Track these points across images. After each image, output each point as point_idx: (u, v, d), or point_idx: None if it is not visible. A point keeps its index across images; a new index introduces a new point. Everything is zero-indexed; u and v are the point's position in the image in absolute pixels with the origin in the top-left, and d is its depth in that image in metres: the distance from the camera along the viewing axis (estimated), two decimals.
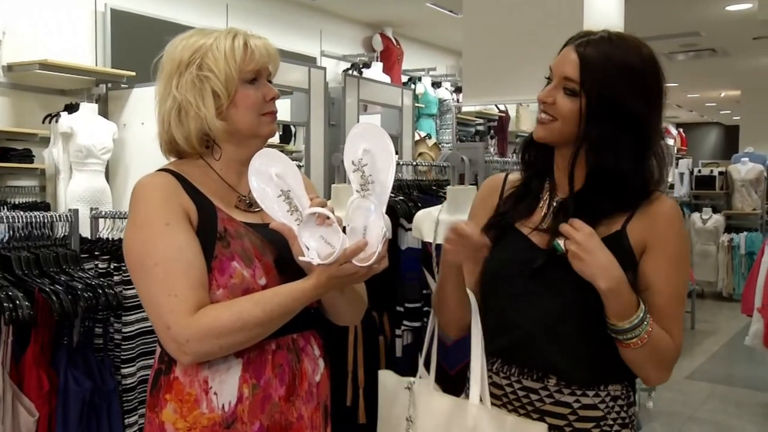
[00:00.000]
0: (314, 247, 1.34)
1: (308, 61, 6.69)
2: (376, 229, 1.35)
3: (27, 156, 4.63)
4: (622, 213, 1.46)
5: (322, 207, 1.34)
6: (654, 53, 1.48)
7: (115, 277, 2.24)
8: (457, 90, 8.64)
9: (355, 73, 7.04)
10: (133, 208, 1.38)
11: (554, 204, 1.53)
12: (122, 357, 2.20)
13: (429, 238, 2.72)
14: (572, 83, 1.44)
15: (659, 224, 1.45)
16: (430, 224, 2.72)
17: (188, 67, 1.42)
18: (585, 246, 1.36)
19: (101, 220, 2.57)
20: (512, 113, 9.18)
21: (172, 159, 1.50)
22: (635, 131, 1.44)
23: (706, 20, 8.09)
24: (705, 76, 11.67)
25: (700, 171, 10.12)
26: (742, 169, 9.77)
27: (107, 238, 2.49)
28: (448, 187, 2.75)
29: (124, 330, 2.21)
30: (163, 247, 1.32)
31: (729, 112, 17.40)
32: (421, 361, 1.80)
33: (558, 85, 1.46)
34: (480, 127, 8.91)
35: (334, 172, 3.14)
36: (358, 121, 6.17)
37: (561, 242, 1.39)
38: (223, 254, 1.36)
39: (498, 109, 8.80)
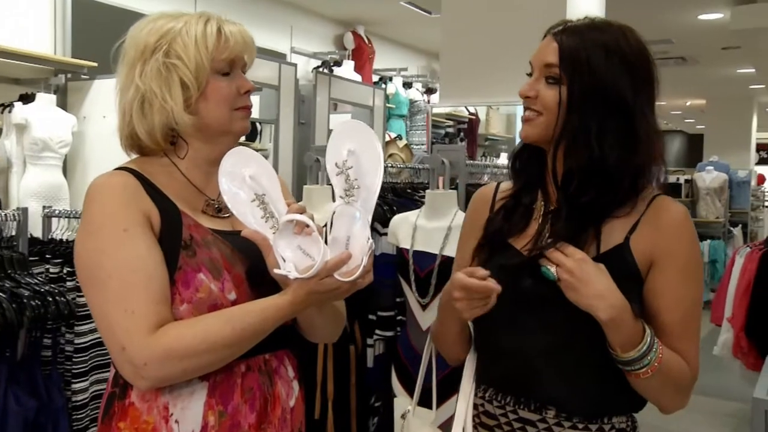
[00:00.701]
0: (291, 259, 1.20)
1: (278, 57, 6.52)
2: (361, 239, 1.21)
3: None
4: (621, 222, 1.33)
5: (301, 213, 1.20)
6: (643, 40, 1.36)
7: (68, 283, 2.06)
8: (429, 91, 8.57)
9: (325, 70, 6.89)
10: (86, 211, 1.22)
11: (549, 216, 1.40)
12: (73, 371, 2.02)
13: (406, 245, 2.59)
14: (553, 69, 1.32)
15: (667, 233, 1.32)
16: (407, 230, 2.60)
17: (154, 54, 1.27)
18: (578, 274, 1.24)
19: (55, 220, 2.37)
20: (482, 116, 9.09)
21: (134, 156, 1.35)
22: (621, 119, 1.30)
23: (678, 28, 8.09)
24: (673, 84, 11.72)
25: (666, 178, 10.14)
26: (707, 177, 9.83)
27: (61, 240, 2.30)
28: (427, 191, 2.62)
29: (76, 341, 2.03)
30: (119, 256, 1.17)
31: (693, 120, 17.59)
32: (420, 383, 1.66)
33: (539, 75, 1.35)
34: (450, 129, 8.82)
35: (306, 173, 3.00)
36: (328, 121, 6.02)
37: (552, 269, 1.27)
38: (188, 265, 1.21)
39: (468, 111, 8.72)
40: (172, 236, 1.22)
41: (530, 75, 1.39)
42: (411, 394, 2.60)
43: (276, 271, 1.19)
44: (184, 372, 1.16)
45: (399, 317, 2.82)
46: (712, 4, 7.06)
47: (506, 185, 1.52)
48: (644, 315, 1.30)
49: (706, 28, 7.99)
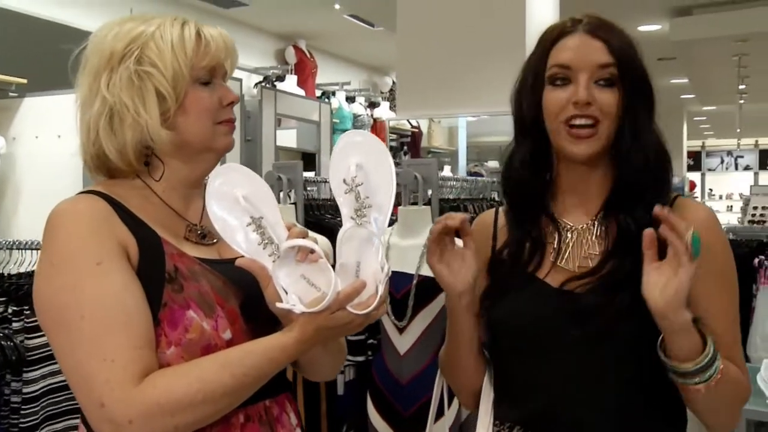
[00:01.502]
0: (294, 291, 1.04)
1: None
2: (373, 265, 1.06)
3: None
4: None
5: (303, 237, 1.05)
6: None
7: (14, 324, 1.82)
8: (371, 105, 8.49)
9: (269, 86, 6.71)
10: (49, 243, 1.03)
11: (567, 234, 1.28)
12: (21, 425, 1.78)
13: None
14: (609, 69, 1.20)
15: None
16: None
17: (123, 61, 1.10)
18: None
19: None
20: (424, 129, 9.08)
21: (99, 178, 1.17)
22: (653, 110, 1.26)
23: None
24: None
25: None
26: None
27: (1, 274, 2.06)
28: (400, 207, 2.48)
29: (25, 390, 1.80)
30: (92, 293, 0.99)
31: None
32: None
33: (590, 78, 1.21)
34: (393, 143, 8.75)
35: None
36: (275, 137, 5.83)
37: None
38: (174, 301, 1.04)
39: (410, 124, 8.67)
40: (153, 268, 1.05)
41: (561, 81, 1.23)
42: (390, 422, 2.46)
43: (278, 305, 1.03)
44: (176, 429, 0.98)
45: (370, 341, 2.68)
46: (652, 16, 7.18)
47: (504, 209, 1.39)
48: None
49: (644, 39, 8.11)
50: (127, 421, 0.95)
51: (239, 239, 1.05)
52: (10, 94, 4.46)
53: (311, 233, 1.10)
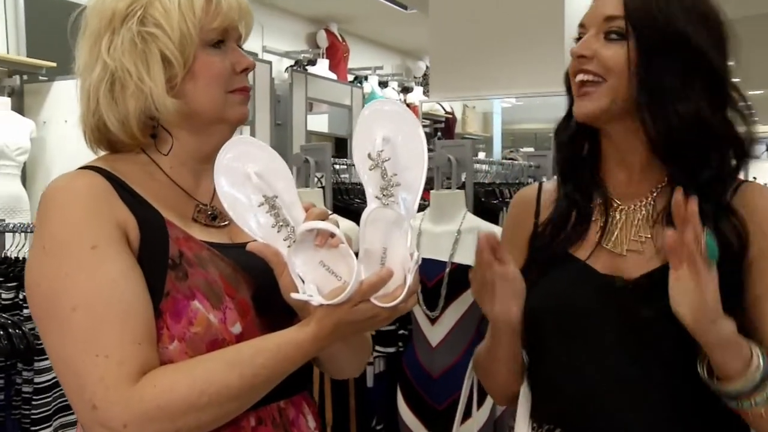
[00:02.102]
0: (312, 279, 0.93)
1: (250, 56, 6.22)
2: (401, 251, 0.94)
3: None
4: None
5: (323, 219, 0.93)
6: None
7: (25, 311, 1.74)
8: (405, 90, 8.36)
9: (300, 69, 6.61)
10: (41, 224, 0.93)
11: (615, 214, 1.15)
12: (33, 416, 1.70)
13: None
14: (616, 22, 1.08)
15: (764, 219, 1.07)
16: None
17: (125, 22, 0.99)
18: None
19: (9, 235, 2.04)
20: (458, 114, 8.93)
21: (102, 153, 1.06)
22: (705, 73, 1.08)
23: None
24: None
25: None
26: None
27: (16, 258, 1.97)
28: (432, 191, 2.36)
29: (36, 380, 1.71)
30: (86, 281, 0.88)
31: None
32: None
33: (597, 32, 1.09)
34: (426, 129, 8.62)
35: (295, 176, 2.72)
36: (306, 121, 5.74)
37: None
38: (178, 290, 0.93)
39: (444, 110, 8.53)
40: (155, 253, 0.94)
41: (578, 41, 1.14)
42: (421, 417, 2.36)
43: (294, 296, 0.91)
44: None
45: (401, 331, 2.57)
46: None
47: (550, 185, 1.27)
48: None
49: None
50: (121, 425, 0.84)
51: (250, 221, 0.94)
52: (40, 78, 4.43)
53: (333, 215, 0.98)
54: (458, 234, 2.26)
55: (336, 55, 7.83)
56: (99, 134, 1.02)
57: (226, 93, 1.03)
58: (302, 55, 7.32)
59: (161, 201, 1.00)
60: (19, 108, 4.36)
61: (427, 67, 9.03)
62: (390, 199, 0.93)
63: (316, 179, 2.68)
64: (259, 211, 0.93)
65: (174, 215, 1.00)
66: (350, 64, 8.02)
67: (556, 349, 1.14)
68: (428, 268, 2.29)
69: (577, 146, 1.21)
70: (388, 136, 0.94)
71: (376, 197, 0.93)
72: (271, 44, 7.10)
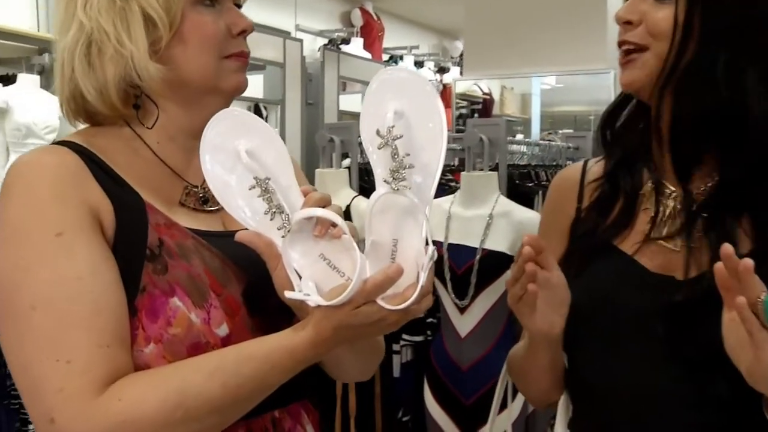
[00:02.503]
0: (311, 276, 0.80)
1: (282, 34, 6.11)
2: (415, 244, 0.81)
3: None
4: None
5: (324, 206, 0.80)
6: None
7: None
8: (441, 70, 8.20)
9: (333, 48, 6.47)
10: (1, 208, 0.81)
11: (667, 202, 1.00)
12: None
13: (438, 236, 2.20)
14: None
15: None
16: (439, 219, 2.22)
17: None
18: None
19: None
20: (496, 96, 8.73)
21: (82, 126, 0.94)
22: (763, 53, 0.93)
23: None
24: None
25: None
26: None
27: None
28: (463, 173, 2.22)
29: None
30: (48, 275, 0.77)
31: None
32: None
33: None
34: (463, 110, 8.44)
35: (314, 156, 2.60)
36: (338, 101, 5.60)
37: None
38: (155, 285, 0.81)
39: (481, 90, 8.34)
40: (131, 242, 0.82)
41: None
42: (448, 411, 2.24)
43: (288, 294, 0.79)
44: None
45: (429, 319, 2.46)
46: None
47: (596, 166, 1.12)
48: None
49: None
50: None
51: (240, 207, 0.82)
52: None
53: (336, 204, 0.85)
54: (490, 218, 2.13)
55: (371, 34, 7.67)
56: (76, 105, 0.90)
57: (220, 59, 0.90)
58: (336, 33, 7.18)
59: (144, 182, 0.88)
60: (47, 86, 4.30)
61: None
62: (401, 184, 0.79)
63: (341, 159, 2.55)
64: (250, 195, 0.81)
65: (157, 198, 0.88)
66: (385, 44, 7.86)
67: (595, 354, 1.00)
68: (458, 255, 2.17)
69: (627, 123, 1.07)
70: (401, 110, 0.81)
71: (385, 181, 0.80)
72: (305, 23, 6.97)
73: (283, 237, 0.80)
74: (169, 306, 0.80)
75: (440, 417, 2.25)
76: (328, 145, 2.50)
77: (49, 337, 0.75)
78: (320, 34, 7.12)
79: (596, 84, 5.39)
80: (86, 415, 0.73)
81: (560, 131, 6.66)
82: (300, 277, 0.80)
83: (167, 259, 0.82)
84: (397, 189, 0.79)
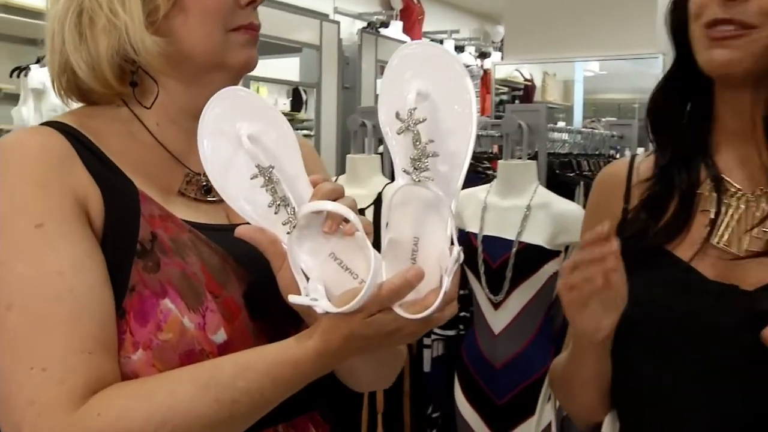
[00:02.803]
0: (320, 277, 0.71)
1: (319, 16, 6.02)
2: (438, 243, 0.71)
3: None
4: None
5: (334, 199, 0.70)
6: None
7: None
8: (482, 55, 8.05)
9: (372, 31, 6.37)
10: None
11: (730, 202, 0.89)
12: None
13: (473, 227, 2.10)
14: None
15: None
16: (474, 209, 2.11)
17: None
18: None
19: None
20: (538, 82, 8.55)
21: (77, 106, 0.86)
22: None
23: None
24: None
25: None
26: None
27: None
28: (500, 161, 2.11)
29: None
30: (26, 271, 0.69)
31: None
32: None
33: None
34: (503, 96, 8.28)
35: (350, 142, 2.51)
36: (375, 86, 5.50)
37: None
38: (145, 285, 0.73)
39: (523, 76, 8.16)
40: (120, 235, 0.74)
41: None
42: (480, 410, 2.14)
43: (292, 298, 0.70)
44: None
45: (462, 313, 2.36)
46: None
47: (646, 160, 1.01)
48: None
49: None
50: None
51: (240, 198, 0.72)
52: None
53: (351, 197, 0.75)
54: (528, 210, 2.02)
55: (410, 17, 7.55)
56: (67, 81, 0.82)
57: (225, 31, 0.81)
58: (375, 17, 7.10)
59: (139, 168, 0.79)
60: None
61: None
62: (423, 174, 0.69)
63: (374, 145, 2.46)
64: (251, 185, 0.72)
65: (153, 186, 0.79)
66: (425, 28, 7.74)
67: (646, 368, 0.89)
68: (493, 247, 2.06)
69: (684, 111, 0.95)
70: (425, 90, 0.70)
71: (405, 171, 0.70)
72: (343, 5, 6.88)
73: (288, 233, 0.70)
74: (160, 308, 0.71)
75: (470, 416, 2.15)
76: (360, 129, 2.40)
77: (24, 342, 0.67)
78: (359, 16, 7.03)
79: (642, 70, 5.20)
80: (64, 426, 0.65)
81: (603, 119, 6.49)
82: (307, 279, 0.71)
83: (160, 255, 0.74)
84: (419, 180, 0.69)
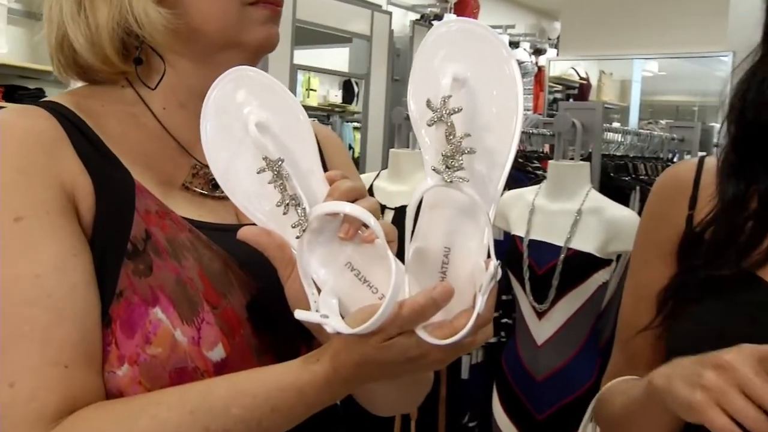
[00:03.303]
0: (333, 289, 0.61)
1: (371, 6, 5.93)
2: (472, 256, 0.60)
3: (39, 97, 3.99)
4: None
5: (354, 199, 0.61)
6: None
7: None
8: (537, 52, 7.88)
9: (425, 23, 6.25)
10: None
11: None
12: None
13: (519, 231, 1.99)
14: None
15: None
16: (521, 211, 2.00)
17: None
18: None
19: None
20: (594, 81, 8.34)
21: (78, 85, 0.78)
22: None
23: None
24: None
25: None
26: None
27: None
28: (551, 161, 1.98)
29: None
30: (0, 270, 0.60)
31: None
32: None
33: None
34: (558, 95, 8.10)
35: (395, 134, 2.41)
36: None
37: None
38: (135, 290, 0.64)
39: (578, 75, 7.96)
40: (110, 232, 0.65)
41: None
42: (518, 424, 2.03)
43: (299, 315, 0.60)
44: None
45: (504, 320, 2.25)
46: None
47: (717, 160, 0.88)
48: None
49: None
50: None
51: (244, 193, 0.63)
52: None
53: (372, 198, 0.65)
54: (578, 214, 1.90)
55: (465, 10, 7.41)
56: (65, 57, 0.74)
57: (242, 5, 0.71)
58: (429, 9, 6.97)
59: (140, 156, 0.71)
60: None
61: None
62: (457, 174, 0.59)
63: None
64: (257, 180, 0.62)
65: (154, 178, 0.70)
66: (480, 21, 7.59)
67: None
68: (539, 253, 1.95)
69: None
70: (462, 75, 0.60)
71: (435, 170, 0.59)
72: None
73: (298, 238, 0.61)
74: (149, 318, 0.62)
75: (508, 429, 2.05)
76: (404, 122, 2.30)
77: None
78: (412, 8, 6.92)
79: (705, 71, 4.97)
80: None
81: (660, 121, 6.28)
82: (319, 291, 0.61)
83: (153, 257, 0.65)
84: (451, 181, 0.59)
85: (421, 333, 0.57)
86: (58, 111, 0.69)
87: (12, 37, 4.02)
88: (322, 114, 6.04)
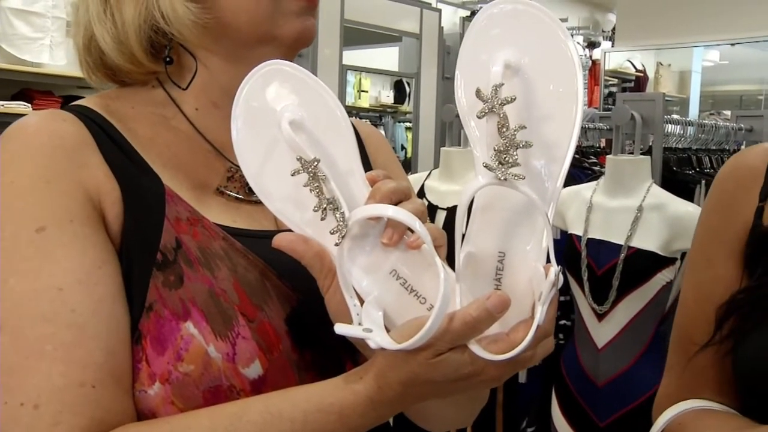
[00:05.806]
0: (377, 302, 0.56)
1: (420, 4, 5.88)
2: (530, 261, 0.55)
3: None
4: None
5: (398, 202, 0.55)
6: None
7: None
8: (591, 45, 7.72)
9: None
10: None
11: None
12: None
13: (577, 230, 1.91)
14: None
15: None
16: (579, 209, 1.92)
17: None
18: None
19: None
20: (651, 73, 8.13)
21: (108, 87, 0.74)
22: None
23: None
24: None
25: None
26: None
27: None
28: (609, 156, 1.90)
29: None
30: (21, 285, 0.57)
31: None
32: None
33: None
34: (613, 88, 7.92)
35: (446, 132, 2.35)
36: None
37: None
38: (165, 303, 0.60)
39: (635, 67, 7.77)
40: (139, 241, 0.61)
41: None
42: (577, 429, 1.95)
43: (339, 329, 0.55)
44: None
45: (562, 321, 2.17)
46: None
47: None
48: None
49: None
50: None
51: (278, 197, 0.58)
52: None
53: (420, 200, 0.60)
54: (639, 211, 1.81)
55: None
56: (92, 58, 0.70)
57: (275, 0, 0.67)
58: (479, 5, 6.88)
59: (171, 160, 0.67)
60: None
61: None
62: (511, 171, 0.53)
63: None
64: (292, 183, 0.57)
65: (185, 182, 0.66)
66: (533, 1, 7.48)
67: None
68: (598, 252, 1.87)
69: None
70: (516, 61, 0.54)
71: (487, 166, 0.54)
72: None
73: (337, 245, 0.56)
74: (181, 333, 0.58)
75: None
76: (455, 120, 2.24)
77: (15, 371, 0.55)
78: (462, 5, 6.84)
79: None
80: None
81: (723, 112, 6.07)
82: (362, 303, 0.56)
83: (184, 267, 0.60)
84: (505, 178, 0.53)
85: (475, 348, 0.52)
86: (85, 114, 0.66)
87: (71, 50, 4.08)
88: (374, 115, 6.02)
